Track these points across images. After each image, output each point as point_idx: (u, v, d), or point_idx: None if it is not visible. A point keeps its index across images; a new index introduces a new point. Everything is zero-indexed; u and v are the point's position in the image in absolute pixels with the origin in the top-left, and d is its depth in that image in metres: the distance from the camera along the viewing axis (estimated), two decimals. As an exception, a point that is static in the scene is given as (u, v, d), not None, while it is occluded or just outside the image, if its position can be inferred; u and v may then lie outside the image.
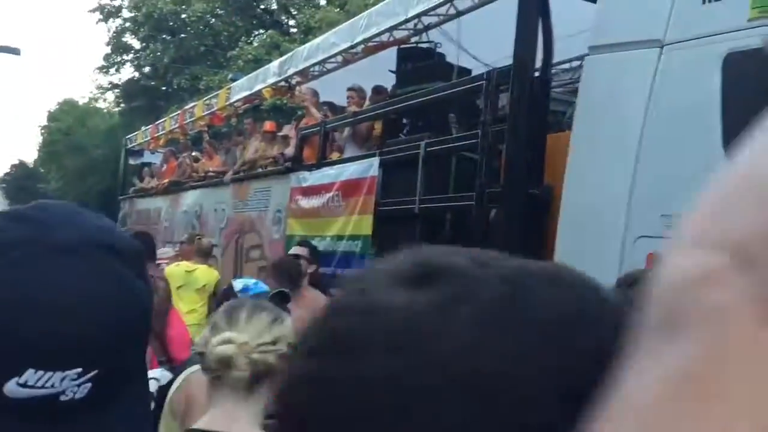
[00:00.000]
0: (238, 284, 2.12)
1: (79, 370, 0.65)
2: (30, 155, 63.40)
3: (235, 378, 1.52)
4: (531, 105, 4.35)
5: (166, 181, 11.04)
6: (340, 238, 5.85)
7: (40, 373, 0.64)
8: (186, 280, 6.03)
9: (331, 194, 6.09)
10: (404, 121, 5.99)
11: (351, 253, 5.61)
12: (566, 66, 6.34)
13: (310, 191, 6.47)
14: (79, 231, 0.70)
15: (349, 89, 6.66)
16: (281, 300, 2.30)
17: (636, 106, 3.57)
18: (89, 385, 0.66)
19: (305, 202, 6.52)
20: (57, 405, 0.65)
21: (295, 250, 5.41)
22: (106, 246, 0.71)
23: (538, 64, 4.47)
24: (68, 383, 0.65)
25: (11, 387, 0.64)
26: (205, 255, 6.55)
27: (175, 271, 6.28)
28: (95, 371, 0.67)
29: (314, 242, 5.98)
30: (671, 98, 3.47)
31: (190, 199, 9.67)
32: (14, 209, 0.75)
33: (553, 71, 4.92)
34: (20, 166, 57.04)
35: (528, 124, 4.34)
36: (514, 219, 4.32)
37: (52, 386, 0.64)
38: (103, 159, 29.44)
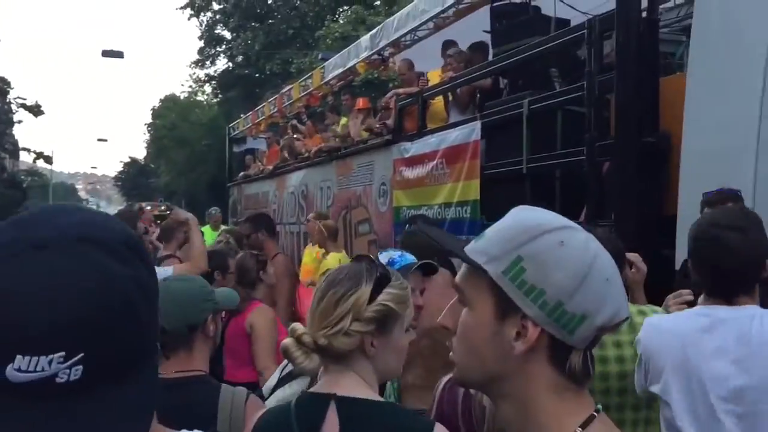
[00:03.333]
0: (383, 257, 2.02)
1: (63, 353, 0.71)
2: (140, 152, 66.56)
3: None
4: (639, 49, 4.14)
5: (270, 165, 11.33)
6: (448, 205, 5.81)
7: (28, 358, 0.70)
8: (319, 270, 5.95)
9: (434, 162, 6.04)
10: (503, 81, 5.84)
11: (461, 219, 5.57)
12: (671, 4, 6.00)
13: (413, 161, 6.44)
14: (57, 228, 0.76)
15: (446, 55, 6.54)
16: (427, 272, 2.17)
17: (758, 40, 3.32)
18: (80, 367, 0.72)
19: (409, 173, 6.50)
20: (54, 386, 0.72)
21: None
22: (86, 239, 0.76)
23: (643, 5, 4.25)
24: (57, 366, 0.71)
25: (10, 372, 0.71)
26: (330, 237, 6.57)
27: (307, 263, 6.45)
28: (80, 354, 0.72)
29: (422, 211, 5.98)
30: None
31: (295, 180, 9.88)
32: (12, 217, 0.81)
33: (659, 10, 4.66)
34: (132, 164, 60.10)
35: (637, 70, 4.13)
36: (630, 170, 4.15)
37: (42, 369, 0.71)
38: (208, 150, 30.56)
